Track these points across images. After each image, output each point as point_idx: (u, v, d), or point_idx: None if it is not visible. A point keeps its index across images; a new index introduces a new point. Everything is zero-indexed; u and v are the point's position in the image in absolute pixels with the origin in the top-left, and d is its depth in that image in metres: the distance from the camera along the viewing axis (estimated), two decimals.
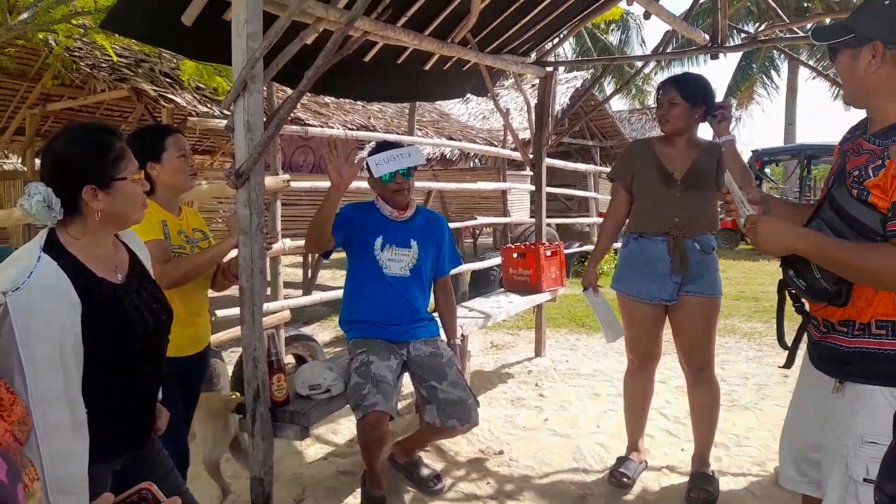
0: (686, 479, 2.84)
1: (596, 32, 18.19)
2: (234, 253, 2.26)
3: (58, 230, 1.38)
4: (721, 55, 4.29)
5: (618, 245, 3.08)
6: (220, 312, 3.39)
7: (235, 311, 2.55)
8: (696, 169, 2.71)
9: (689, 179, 2.69)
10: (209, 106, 5.48)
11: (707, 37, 4.19)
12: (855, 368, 1.51)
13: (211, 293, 2.36)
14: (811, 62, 16.69)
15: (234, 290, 2.39)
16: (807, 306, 1.64)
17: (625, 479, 2.83)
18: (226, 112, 2.31)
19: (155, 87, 5.41)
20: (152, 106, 5.74)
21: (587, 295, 3.02)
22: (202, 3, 2.34)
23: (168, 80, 5.70)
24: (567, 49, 19.93)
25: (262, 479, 2.28)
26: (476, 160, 11.71)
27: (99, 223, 1.40)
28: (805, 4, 16.02)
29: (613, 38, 20.25)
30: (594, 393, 4.15)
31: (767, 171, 14.06)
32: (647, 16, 4.08)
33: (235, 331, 3.61)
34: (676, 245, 2.67)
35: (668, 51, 4.92)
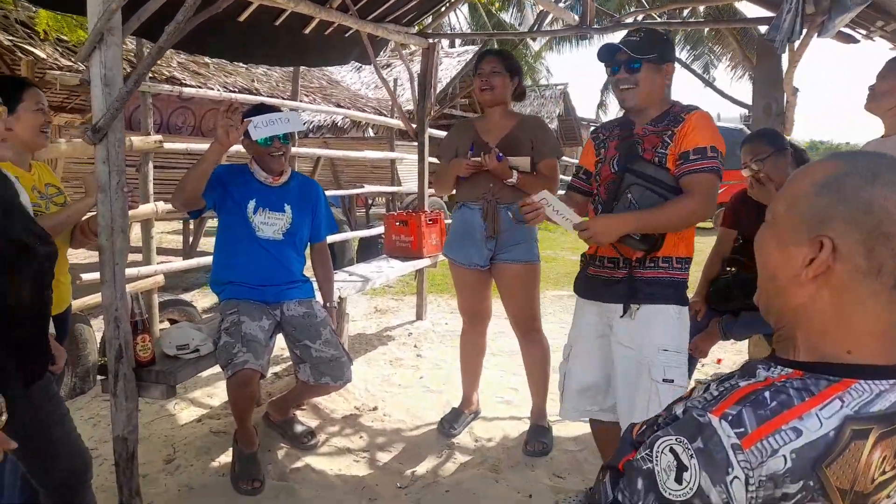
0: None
1: (491, 9, 18.48)
2: (94, 211, 2.21)
3: None
4: (590, 36, 4.59)
5: None
6: (85, 276, 3.26)
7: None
8: (511, 138, 2.82)
9: (503, 148, 2.78)
10: (73, 60, 5.10)
11: (577, 18, 4.46)
12: (650, 293, 1.97)
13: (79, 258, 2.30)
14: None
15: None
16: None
17: (452, 430, 3.07)
18: (84, 66, 2.23)
19: (10, 37, 4.97)
20: (9, 58, 5.27)
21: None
22: None
23: (26, 29, 5.24)
24: (463, 23, 20.09)
25: (126, 438, 2.28)
26: (370, 129, 11.65)
27: None
28: None
29: (507, 16, 20.69)
30: None
31: None
32: None
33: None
34: (490, 210, 2.81)
35: (543, 29, 5.19)
